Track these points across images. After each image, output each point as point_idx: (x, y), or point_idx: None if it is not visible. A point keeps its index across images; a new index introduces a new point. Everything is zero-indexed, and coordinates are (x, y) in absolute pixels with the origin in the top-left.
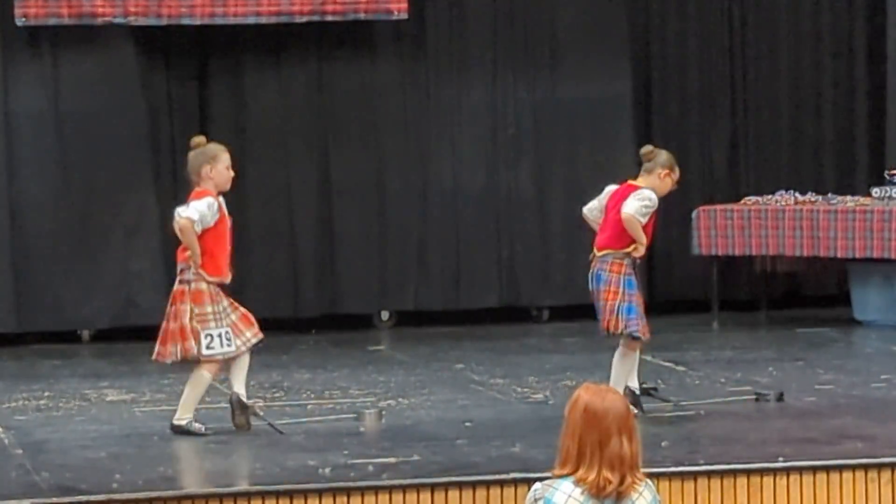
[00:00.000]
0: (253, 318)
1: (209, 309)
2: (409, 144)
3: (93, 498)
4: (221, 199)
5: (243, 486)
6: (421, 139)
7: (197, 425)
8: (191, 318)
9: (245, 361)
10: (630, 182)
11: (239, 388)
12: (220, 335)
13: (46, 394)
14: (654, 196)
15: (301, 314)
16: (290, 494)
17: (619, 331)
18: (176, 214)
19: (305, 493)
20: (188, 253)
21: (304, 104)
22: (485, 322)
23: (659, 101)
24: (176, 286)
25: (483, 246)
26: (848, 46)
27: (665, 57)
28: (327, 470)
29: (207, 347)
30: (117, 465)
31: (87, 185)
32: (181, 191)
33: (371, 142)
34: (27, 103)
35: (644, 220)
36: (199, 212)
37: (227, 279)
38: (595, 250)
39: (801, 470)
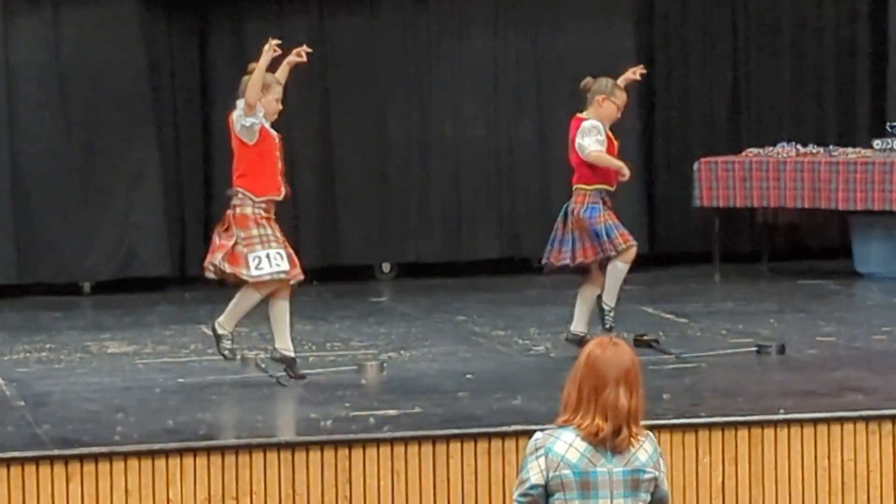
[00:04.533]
0: (296, 261)
1: (255, 232)
2: (410, 96)
3: (94, 450)
4: (267, 124)
5: (245, 439)
6: (422, 91)
7: (227, 344)
8: (236, 244)
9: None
10: (577, 115)
11: (281, 342)
12: (267, 255)
13: (48, 346)
14: (595, 122)
15: (302, 266)
16: (291, 446)
17: (608, 254)
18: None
19: (307, 446)
20: (238, 172)
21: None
22: (486, 274)
23: (661, 53)
24: (228, 212)
25: (484, 198)
26: None
27: (667, 8)
28: (329, 422)
29: (256, 268)
30: (119, 417)
31: (87, 138)
32: (182, 143)
33: (372, 94)
34: (28, 56)
35: (603, 148)
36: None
37: (279, 195)
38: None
39: (801, 422)
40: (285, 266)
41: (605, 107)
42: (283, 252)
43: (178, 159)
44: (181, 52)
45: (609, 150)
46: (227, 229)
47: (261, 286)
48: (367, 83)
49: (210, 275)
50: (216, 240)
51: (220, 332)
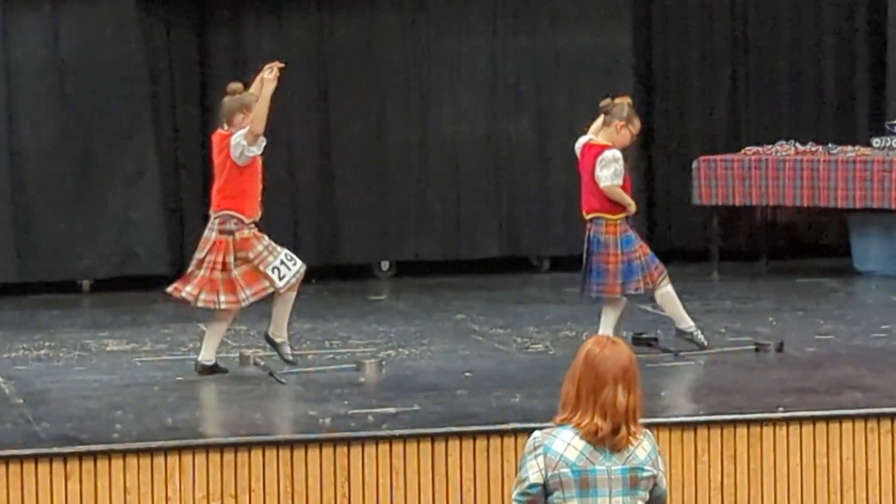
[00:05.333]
0: None
1: (260, 248)
2: (409, 94)
3: (93, 448)
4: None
5: (243, 437)
6: (421, 90)
7: (287, 350)
8: (240, 265)
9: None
10: (591, 142)
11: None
12: (282, 262)
13: (47, 344)
14: (616, 154)
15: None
16: (290, 444)
17: (618, 294)
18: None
19: (306, 443)
20: (226, 194)
21: (304, 55)
22: (485, 272)
23: (660, 51)
24: (215, 236)
25: (483, 196)
26: None
27: (666, 6)
28: (327, 420)
29: (280, 279)
30: (117, 415)
31: (86, 137)
32: (181, 140)
33: (371, 92)
34: (27, 52)
35: (620, 181)
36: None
37: (258, 217)
38: (584, 212)
39: (800, 420)
40: (299, 262)
41: (622, 134)
42: (288, 252)
43: (176, 158)
44: (180, 50)
45: (625, 185)
46: (214, 255)
47: (291, 287)
48: (367, 82)
49: (190, 301)
50: (204, 273)
51: (277, 340)
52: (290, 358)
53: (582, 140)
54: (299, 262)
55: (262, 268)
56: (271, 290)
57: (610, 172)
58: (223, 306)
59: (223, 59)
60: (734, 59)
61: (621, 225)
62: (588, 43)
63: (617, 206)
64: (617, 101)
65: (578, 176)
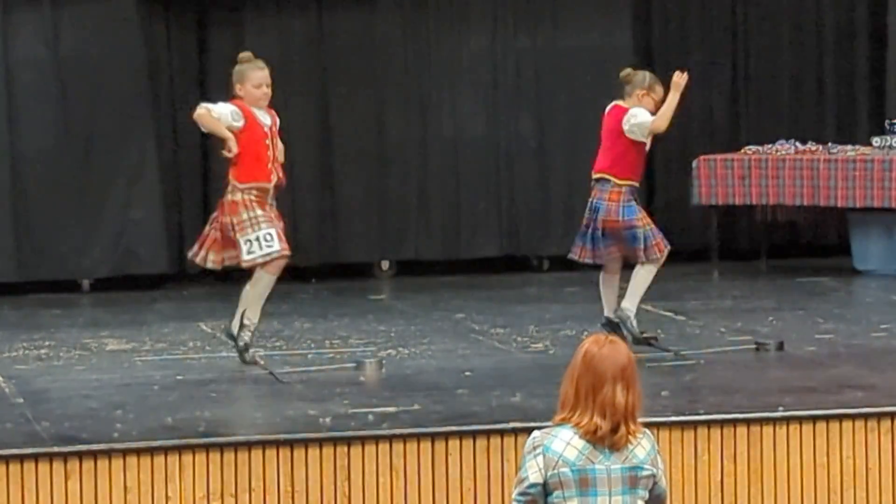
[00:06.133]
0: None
1: (245, 216)
2: (409, 93)
3: (93, 447)
4: (261, 112)
5: (244, 436)
6: (421, 88)
7: (247, 336)
8: (231, 230)
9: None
10: (618, 104)
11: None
12: (257, 238)
13: (47, 343)
14: (641, 109)
15: (301, 263)
16: (290, 444)
17: (655, 257)
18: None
19: (306, 443)
20: (228, 154)
21: (304, 53)
22: (485, 271)
23: (659, 50)
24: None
25: (483, 195)
26: None
27: (666, 6)
28: (328, 419)
29: (248, 253)
30: (118, 414)
31: (86, 135)
32: (181, 139)
33: (371, 92)
34: (27, 51)
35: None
36: (215, 107)
37: (269, 182)
38: (592, 174)
39: (801, 419)
40: (276, 245)
41: (644, 102)
42: (273, 231)
43: (176, 157)
44: (180, 49)
45: (640, 150)
46: (216, 219)
47: (267, 266)
48: (367, 82)
49: (209, 265)
50: (205, 229)
51: (245, 321)
52: (246, 354)
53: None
54: (276, 247)
55: (237, 236)
56: (236, 261)
57: (644, 115)
58: (202, 263)
59: (223, 59)
60: (734, 58)
61: (625, 193)
62: (588, 43)
63: (625, 171)
64: (635, 71)
65: (578, 175)
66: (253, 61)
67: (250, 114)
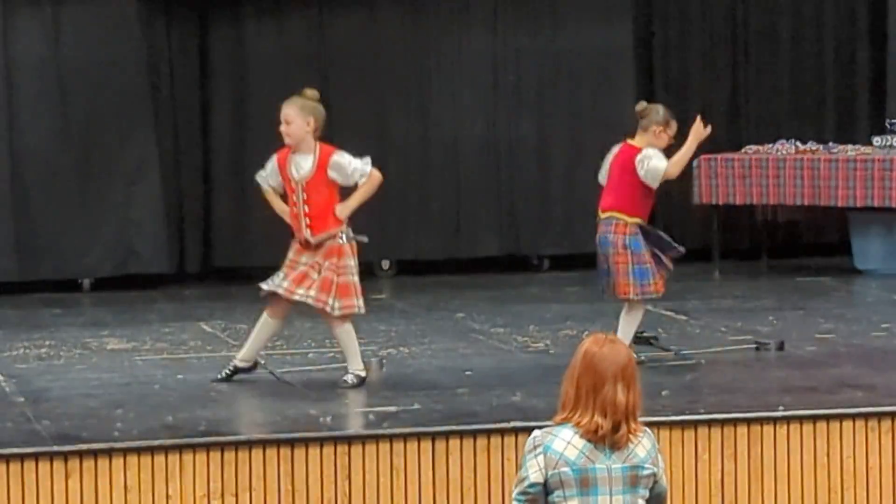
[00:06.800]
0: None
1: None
2: (409, 93)
3: (94, 446)
4: (301, 157)
5: (244, 435)
6: (422, 89)
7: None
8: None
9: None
10: (629, 142)
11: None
12: (276, 274)
13: (47, 342)
14: (656, 151)
15: None
16: (290, 443)
17: (631, 296)
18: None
19: (306, 442)
20: None
21: (304, 53)
22: (485, 271)
23: (660, 49)
24: None
25: (484, 195)
26: None
27: (666, 6)
28: (328, 418)
29: (264, 283)
30: (118, 413)
31: (87, 135)
32: (181, 139)
33: (372, 92)
34: (27, 54)
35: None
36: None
37: (300, 236)
38: (599, 212)
39: (801, 419)
40: (272, 286)
41: (660, 139)
42: (283, 272)
43: (177, 156)
44: (180, 49)
45: (649, 192)
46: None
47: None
48: (367, 82)
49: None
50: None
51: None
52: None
53: (612, 151)
54: (271, 286)
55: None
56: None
57: (659, 159)
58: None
59: (223, 58)
60: (734, 58)
61: (631, 227)
62: (588, 43)
63: (635, 208)
64: (651, 105)
65: (578, 175)
66: (287, 102)
67: (284, 165)
